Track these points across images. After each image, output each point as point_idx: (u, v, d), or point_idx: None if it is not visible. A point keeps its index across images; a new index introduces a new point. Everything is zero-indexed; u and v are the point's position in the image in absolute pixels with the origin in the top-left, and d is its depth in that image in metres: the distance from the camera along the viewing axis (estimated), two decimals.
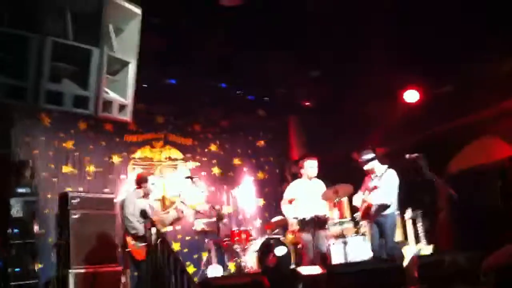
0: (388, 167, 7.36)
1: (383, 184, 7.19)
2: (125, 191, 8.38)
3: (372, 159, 7.37)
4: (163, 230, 7.12)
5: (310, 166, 7.66)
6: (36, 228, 7.26)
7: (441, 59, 7.89)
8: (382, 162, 7.49)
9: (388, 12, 7.11)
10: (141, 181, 7.41)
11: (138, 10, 3.55)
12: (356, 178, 7.80)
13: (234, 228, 8.54)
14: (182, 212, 7.58)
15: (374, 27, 7.45)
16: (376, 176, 7.28)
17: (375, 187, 7.18)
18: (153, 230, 6.74)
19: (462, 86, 8.53)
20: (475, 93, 8.33)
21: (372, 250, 7.41)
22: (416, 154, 7.05)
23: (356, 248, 8.18)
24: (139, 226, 6.99)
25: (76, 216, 7.32)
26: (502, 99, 8.13)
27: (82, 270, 7.08)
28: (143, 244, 6.73)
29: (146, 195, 7.38)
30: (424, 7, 6.89)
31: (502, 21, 6.88)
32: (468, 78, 8.30)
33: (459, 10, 6.82)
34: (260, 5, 6.76)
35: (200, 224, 8.29)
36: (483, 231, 8.53)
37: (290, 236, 8.25)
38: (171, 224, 7.66)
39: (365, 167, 7.41)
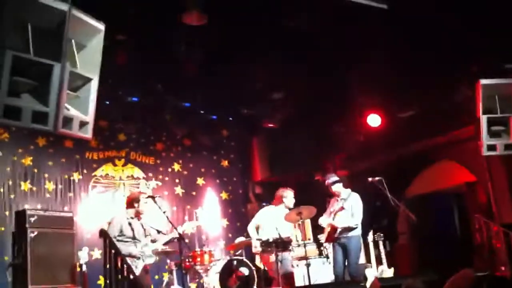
0: (352, 191, 7.45)
1: (349, 207, 7.25)
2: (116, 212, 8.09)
3: (337, 182, 7.44)
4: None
5: (292, 196, 7.70)
6: None
7: (403, 87, 8.08)
8: (345, 186, 7.56)
9: (351, 39, 7.25)
10: (132, 202, 7.01)
11: (101, 26, 3.51)
12: (318, 200, 7.85)
13: (196, 249, 8.43)
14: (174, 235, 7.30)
15: (339, 52, 7.58)
16: (342, 199, 7.35)
17: (342, 208, 7.24)
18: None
19: (422, 112, 8.73)
20: (434, 120, 8.54)
21: (335, 272, 7.42)
22: (377, 178, 7.15)
23: (319, 270, 8.19)
24: (120, 246, 6.65)
25: (34, 235, 7.11)
26: (458, 126, 8.36)
27: None
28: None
29: (138, 215, 7.02)
30: (386, 35, 7.06)
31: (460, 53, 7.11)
32: (427, 105, 8.51)
33: (418, 40, 7.03)
34: (225, 24, 6.79)
35: (161, 245, 8.15)
36: (441, 255, 8.67)
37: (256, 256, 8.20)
38: (165, 244, 7.41)
39: (332, 189, 7.46)
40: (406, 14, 6.60)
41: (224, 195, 10.51)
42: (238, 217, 10.20)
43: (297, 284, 7.75)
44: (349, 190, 7.47)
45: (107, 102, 8.78)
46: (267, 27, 7.01)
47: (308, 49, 7.52)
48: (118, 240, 6.64)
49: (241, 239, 8.60)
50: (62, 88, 3.34)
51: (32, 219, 7.22)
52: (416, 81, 7.73)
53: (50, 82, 3.32)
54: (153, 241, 7.05)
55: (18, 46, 3.24)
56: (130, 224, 6.85)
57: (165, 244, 7.20)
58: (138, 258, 6.67)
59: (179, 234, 6.78)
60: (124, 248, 6.57)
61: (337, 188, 7.45)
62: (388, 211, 8.03)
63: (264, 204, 9.13)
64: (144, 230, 6.99)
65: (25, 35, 3.28)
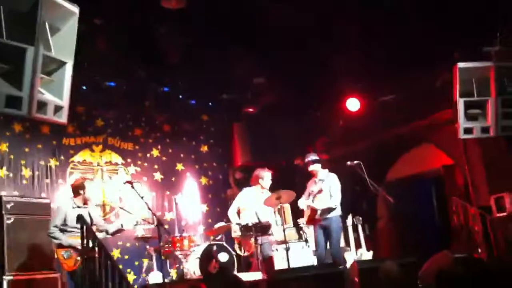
0: (329, 171, 7.49)
1: (327, 188, 7.29)
2: (61, 200, 7.94)
3: (316, 161, 7.46)
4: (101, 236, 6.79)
5: (269, 178, 7.71)
6: None
7: (382, 71, 8.11)
8: (323, 167, 7.60)
9: (331, 24, 7.24)
10: (77, 189, 6.82)
11: (75, 9, 3.43)
12: (298, 185, 7.86)
13: (176, 235, 8.42)
14: (122, 225, 7.24)
15: (319, 38, 7.57)
16: (320, 180, 7.38)
17: (320, 191, 7.27)
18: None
19: (401, 97, 8.78)
20: (412, 104, 8.59)
21: (317, 255, 7.47)
22: (356, 162, 7.18)
23: (299, 254, 8.23)
24: (61, 236, 6.56)
25: (10, 221, 7.09)
26: (436, 110, 8.42)
27: (17, 277, 6.84)
28: (71, 254, 6.39)
29: (85, 203, 6.88)
30: (367, 21, 7.07)
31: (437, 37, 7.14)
32: (406, 90, 8.56)
33: (400, 26, 7.05)
34: (204, 8, 6.73)
35: (140, 231, 8.11)
36: (420, 238, 8.77)
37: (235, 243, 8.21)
38: (113, 234, 7.34)
39: (311, 168, 7.48)
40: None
41: (203, 181, 10.48)
42: (218, 202, 10.20)
43: (277, 267, 7.79)
44: (326, 170, 7.52)
45: (84, 87, 8.67)
46: (248, 12, 6.97)
47: (289, 35, 7.50)
48: (61, 230, 6.52)
49: (221, 224, 8.59)
50: (35, 72, 3.27)
51: (9, 206, 7.18)
52: (395, 65, 7.76)
53: (23, 65, 3.25)
54: (100, 231, 6.88)
55: None
56: (74, 213, 6.52)
57: (112, 234, 7.10)
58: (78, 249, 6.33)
59: (159, 220, 6.77)
60: (65, 238, 6.46)
61: (315, 167, 7.48)
62: (367, 195, 8.09)
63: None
64: (92, 219, 6.80)
65: None
